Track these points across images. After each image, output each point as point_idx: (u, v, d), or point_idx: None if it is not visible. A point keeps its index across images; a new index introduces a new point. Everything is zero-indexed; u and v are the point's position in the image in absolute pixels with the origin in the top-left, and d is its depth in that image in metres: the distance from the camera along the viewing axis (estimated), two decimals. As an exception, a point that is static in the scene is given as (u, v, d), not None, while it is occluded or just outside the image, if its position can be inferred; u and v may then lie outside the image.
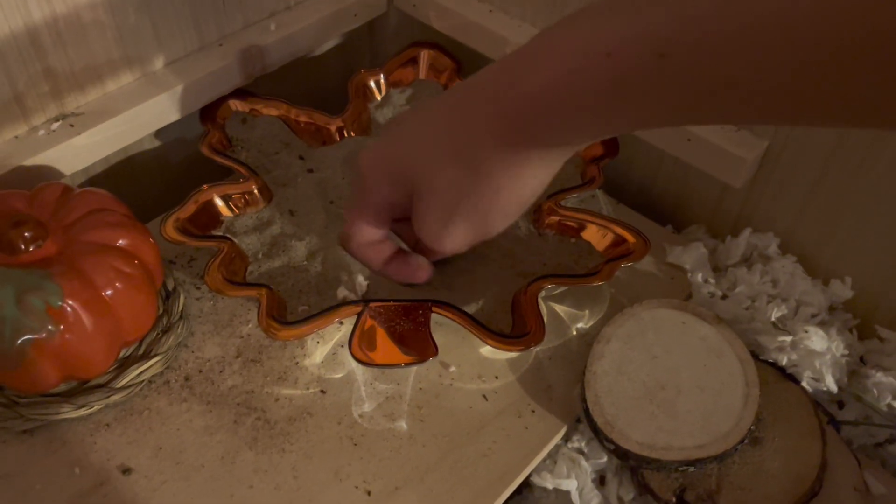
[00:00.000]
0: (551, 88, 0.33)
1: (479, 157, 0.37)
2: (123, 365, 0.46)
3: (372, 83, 0.62)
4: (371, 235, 0.44)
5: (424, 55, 0.64)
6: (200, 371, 0.48)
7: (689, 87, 0.29)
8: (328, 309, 0.45)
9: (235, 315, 0.51)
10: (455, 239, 0.40)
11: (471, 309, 0.49)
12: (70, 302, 0.40)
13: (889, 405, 0.48)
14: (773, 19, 0.26)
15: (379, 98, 0.63)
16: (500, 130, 0.36)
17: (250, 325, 0.50)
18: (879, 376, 0.49)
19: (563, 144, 0.36)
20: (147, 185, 0.61)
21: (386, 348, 0.45)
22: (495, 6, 0.62)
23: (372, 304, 0.46)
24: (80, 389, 0.45)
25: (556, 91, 0.33)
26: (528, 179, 0.38)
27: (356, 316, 0.46)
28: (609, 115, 0.33)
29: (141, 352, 0.47)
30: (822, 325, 0.51)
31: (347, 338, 0.45)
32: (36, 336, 0.39)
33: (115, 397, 0.45)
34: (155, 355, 0.46)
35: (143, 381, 0.46)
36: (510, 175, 0.37)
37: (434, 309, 0.46)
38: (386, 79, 0.63)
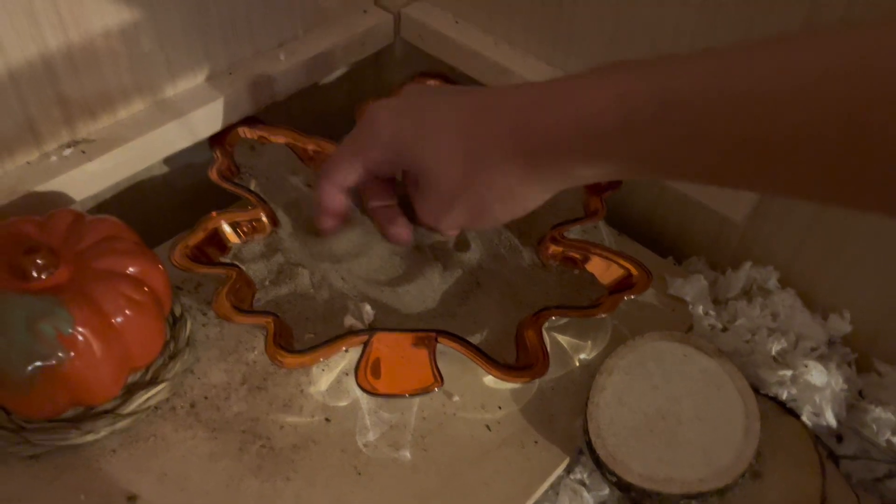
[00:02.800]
0: (565, 126, 0.36)
1: (487, 166, 0.40)
2: (130, 391, 0.46)
3: (378, 112, 0.63)
4: (344, 181, 0.48)
5: (430, 85, 0.64)
6: (206, 397, 0.48)
7: (687, 139, 0.32)
8: (335, 338, 0.46)
9: (241, 341, 0.51)
10: (451, 222, 0.44)
11: (474, 339, 0.49)
12: (80, 329, 0.40)
13: (888, 440, 0.49)
14: (769, 90, 0.29)
15: (385, 126, 0.64)
16: (511, 151, 0.39)
17: (256, 352, 0.50)
18: (878, 411, 0.49)
19: (567, 177, 0.39)
20: (155, 209, 0.62)
21: (391, 378, 0.45)
22: (500, 38, 0.63)
23: (378, 334, 0.46)
24: (87, 415, 0.45)
25: (569, 128, 0.36)
26: (523, 199, 0.41)
27: (362, 345, 0.46)
28: (615, 156, 0.36)
29: (148, 378, 0.47)
30: (821, 358, 0.52)
31: (352, 365, 0.45)
32: (46, 363, 0.40)
33: (122, 423, 0.45)
34: (161, 381, 0.47)
35: (149, 407, 0.46)
36: (510, 190, 0.40)
37: (440, 339, 0.46)
38: (392, 108, 0.64)
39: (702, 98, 0.31)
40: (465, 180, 0.41)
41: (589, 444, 0.46)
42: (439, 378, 0.45)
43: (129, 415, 0.45)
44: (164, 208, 0.62)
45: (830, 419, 0.49)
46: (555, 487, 0.47)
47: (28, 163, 0.50)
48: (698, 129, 0.32)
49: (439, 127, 0.42)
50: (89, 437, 0.44)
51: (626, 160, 0.35)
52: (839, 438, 0.51)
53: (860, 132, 0.27)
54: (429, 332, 0.47)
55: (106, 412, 0.45)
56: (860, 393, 0.53)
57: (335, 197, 0.49)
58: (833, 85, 0.27)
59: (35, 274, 0.41)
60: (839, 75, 0.27)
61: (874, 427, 0.49)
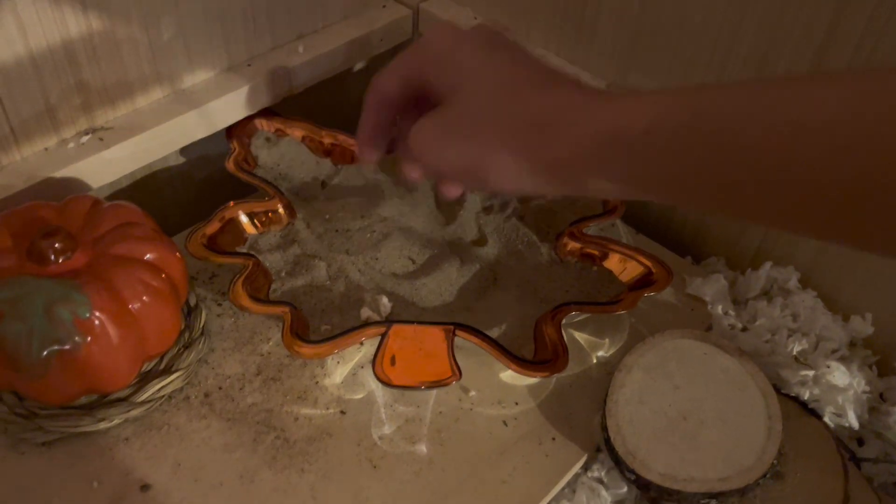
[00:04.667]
0: (592, 132, 0.35)
1: (502, 144, 0.37)
2: (144, 379, 0.45)
3: (395, 107, 0.63)
4: (385, 87, 0.44)
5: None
6: (220, 388, 0.48)
7: (712, 152, 0.31)
8: (352, 329, 0.45)
9: (256, 332, 0.51)
10: (439, 159, 0.40)
11: (492, 333, 0.49)
12: (98, 314, 0.40)
13: (910, 443, 0.48)
14: (800, 116, 0.29)
15: (402, 121, 0.63)
16: (532, 143, 0.37)
17: (271, 343, 0.50)
18: (901, 414, 0.48)
19: (577, 186, 0.37)
20: (170, 199, 0.62)
21: (409, 370, 0.44)
22: (520, 35, 0.62)
23: (395, 326, 0.46)
24: (101, 403, 0.44)
25: (596, 134, 0.35)
26: (519, 185, 0.38)
27: (379, 337, 0.45)
28: (633, 167, 0.35)
29: (162, 367, 0.46)
30: (843, 360, 0.51)
31: (367, 358, 0.45)
32: (62, 347, 0.39)
33: (135, 412, 0.45)
34: (176, 370, 0.46)
35: (163, 396, 0.46)
36: (511, 176, 0.38)
37: (458, 333, 0.46)
38: (409, 103, 0.63)
39: (733, 114, 0.31)
40: (481, 134, 0.38)
41: (608, 441, 0.45)
42: (457, 371, 0.44)
43: (143, 403, 0.45)
44: (180, 198, 0.62)
45: (853, 420, 0.48)
46: (571, 485, 0.47)
47: (46, 149, 0.50)
48: (724, 143, 0.31)
49: (489, 65, 0.38)
50: (102, 425, 0.44)
51: (651, 175, 0.34)
52: (860, 441, 0.50)
53: (879, 175, 0.26)
54: (447, 325, 0.46)
55: (120, 400, 0.45)
56: (881, 396, 0.52)
57: (376, 112, 0.45)
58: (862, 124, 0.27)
59: (53, 258, 0.41)
60: (872, 117, 0.27)
61: (896, 430, 0.48)
